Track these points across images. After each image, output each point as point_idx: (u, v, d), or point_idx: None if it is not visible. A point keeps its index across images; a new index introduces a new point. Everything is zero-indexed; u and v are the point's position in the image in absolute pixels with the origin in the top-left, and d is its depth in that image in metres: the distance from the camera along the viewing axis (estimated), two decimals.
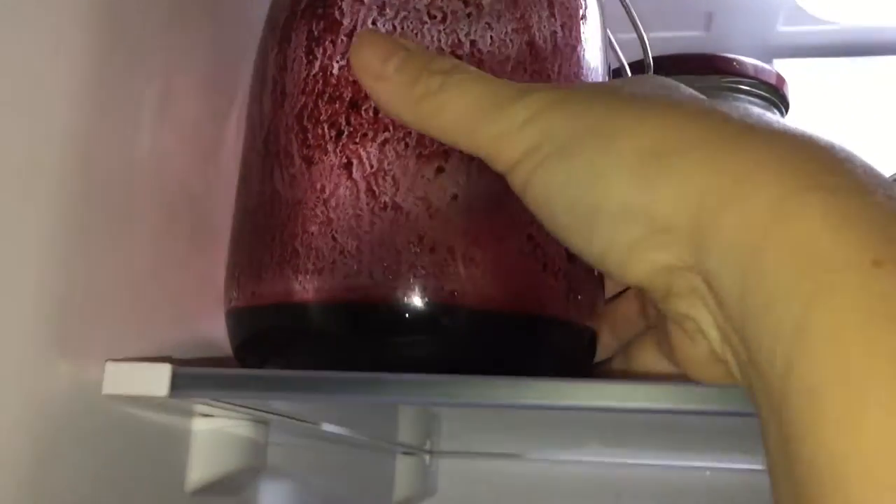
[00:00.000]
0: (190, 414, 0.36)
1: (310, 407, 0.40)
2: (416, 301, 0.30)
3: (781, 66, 0.62)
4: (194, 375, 0.30)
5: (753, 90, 0.48)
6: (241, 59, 0.40)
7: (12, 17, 0.27)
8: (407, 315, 0.30)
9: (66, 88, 0.29)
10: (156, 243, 0.35)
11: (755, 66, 0.47)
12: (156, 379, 0.30)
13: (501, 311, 0.31)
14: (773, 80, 0.48)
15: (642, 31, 0.40)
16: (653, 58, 0.46)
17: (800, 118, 0.58)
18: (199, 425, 0.36)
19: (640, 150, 0.23)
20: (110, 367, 0.31)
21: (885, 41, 0.59)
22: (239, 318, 0.33)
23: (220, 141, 0.40)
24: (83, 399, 0.31)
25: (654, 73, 0.47)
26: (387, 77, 0.27)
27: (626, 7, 0.40)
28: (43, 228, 0.29)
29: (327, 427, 0.42)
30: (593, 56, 0.35)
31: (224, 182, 0.40)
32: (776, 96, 0.48)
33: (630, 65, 0.43)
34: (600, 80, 0.35)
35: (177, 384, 0.30)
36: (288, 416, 0.38)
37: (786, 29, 0.61)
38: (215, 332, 0.38)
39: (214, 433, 0.36)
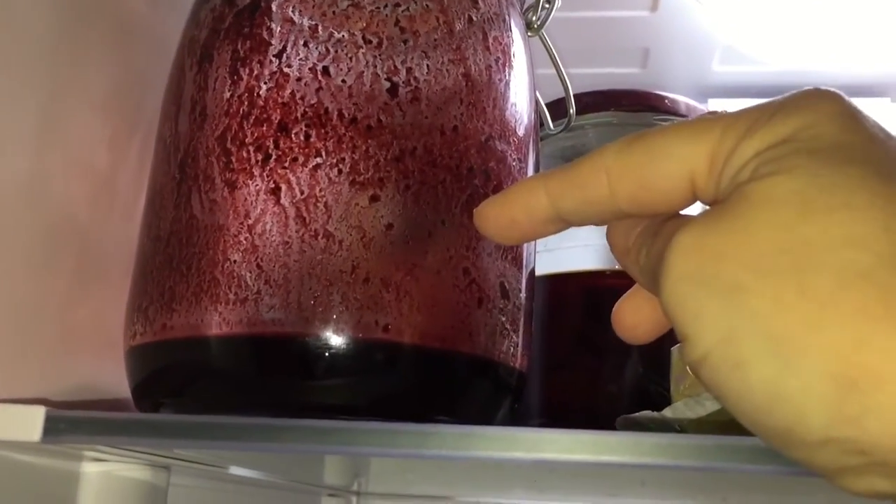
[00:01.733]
0: (78, 458, 0.32)
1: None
2: (349, 335, 0.28)
3: (716, 106, 0.64)
4: (70, 419, 0.27)
5: None
6: (147, 81, 0.38)
7: None
8: (338, 350, 0.28)
9: None
10: (35, 278, 0.31)
11: (687, 105, 0.48)
12: (28, 422, 0.27)
13: (435, 349, 0.29)
14: None
15: (563, 72, 0.40)
16: (587, 93, 0.47)
17: None
18: (89, 468, 0.32)
19: (834, 376, 0.17)
20: None
21: (817, 83, 0.62)
22: (145, 354, 0.30)
23: (118, 166, 0.37)
24: None
25: (587, 109, 0.47)
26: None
27: (546, 47, 0.40)
28: None
29: (237, 471, 0.39)
30: (523, 93, 0.35)
31: (121, 211, 0.37)
32: None
33: (552, 103, 0.43)
34: (527, 117, 0.35)
35: (50, 428, 0.27)
36: (189, 461, 0.34)
37: (721, 69, 0.63)
38: (103, 374, 0.35)
39: (106, 477, 0.32)
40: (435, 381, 0.30)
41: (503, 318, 0.31)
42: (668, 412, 0.34)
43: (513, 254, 0.32)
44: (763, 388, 0.18)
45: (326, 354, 0.28)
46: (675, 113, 0.49)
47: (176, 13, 0.36)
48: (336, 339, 0.28)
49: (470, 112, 0.31)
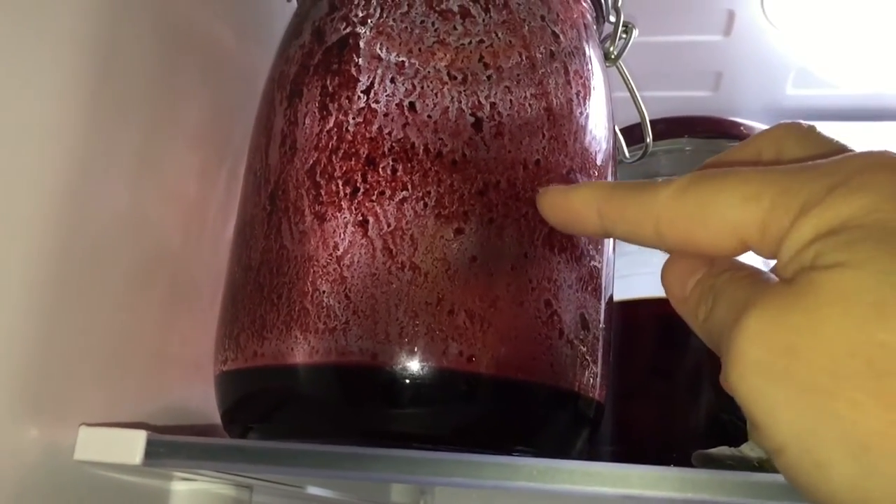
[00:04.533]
0: (168, 477, 0.33)
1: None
2: (434, 365, 0.28)
3: None
4: (169, 443, 0.28)
5: None
6: (234, 113, 0.39)
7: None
8: (423, 380, 0.28)
9: (41, 138, 0.28)
10: (132, 304, 0.33)
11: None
12: (130, 446, 0.28)
13: (518, 380, 0.30)
14: None
15: (640, 101, 0.41)
16: (660, 120, 0.47)
17: None
18: (179, 486, 0.33)
19: None
20: (83, 433, 0.29)
21: (889, 107, 0.61)
22: (235, 380, 0.31)
23: (207, 196, 0.39)
24: (55, 464, 0.29)
25: (660, 136, 0.47)
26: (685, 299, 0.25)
27: (623, 77, 0.40)
28: (13, 289, 0.27)
29: (313, 490, 0.40)
30: (602, 124, 0.35)
31: (210, 239, 0.38)
32: None
33: (626, 128, 0.43)
34: (606, 147, 0.35)
35: (151, 452, 0.28)
36: (271, 481, 0.36)
37: (795, 92, 0.63)
38: (193, 397, 0.36)
39: (195, 494, 0.33)
40: (516, 411, 0.30)
41: (583, 349, 0.32)
42: (746, 448, 0.33)
43: (593, 284, 0.33)
44: (846, 490, 0.17)
45: (411, 384, 0.29)
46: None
47: (262, 47, 0.38)
48: (421, 369, 0.28)
49: (552, 145, 0.32)
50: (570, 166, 0.32)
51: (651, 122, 0.47)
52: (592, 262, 0.33)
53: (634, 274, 0.49)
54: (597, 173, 0.34)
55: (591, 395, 0.32)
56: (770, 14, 0.53)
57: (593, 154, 0.34)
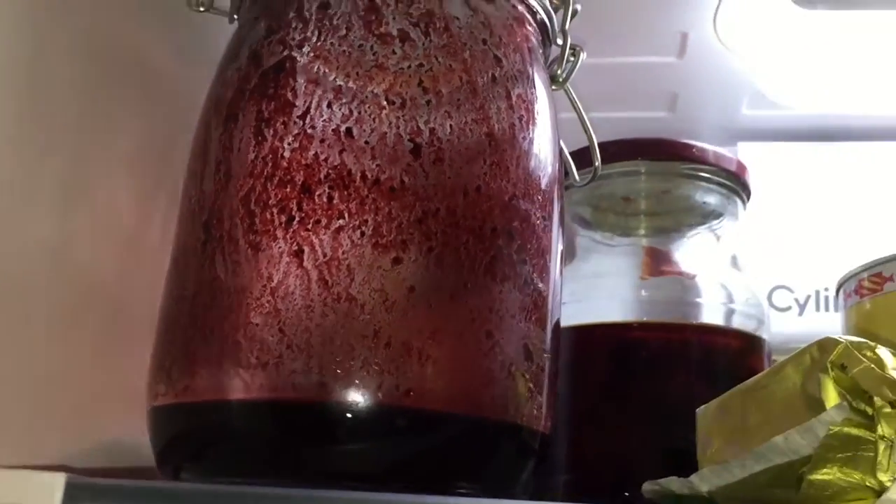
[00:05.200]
0: None
1: None
2: (371, 400, 0.27)
3: (747, 150, 0.63)
4: (91, 487, 0.26)
5: (714, 177, 0.48)
6: (174, 137, 0.38)
7: None
8: (360, 416, 0.27)
9: None
10: (61, 340, 0.31)
11: (715, 153, 0.48)
12: (47, 490, 0.26)
13: (458, 414, 0.29)
14: (733, 168, 0.48)
15: (588, 124, 0.40)
16: (613, 142, 0.46)
17: (764, 203, 0.59)
18: None
19: None
20: None
21: (844, 127, 0.61)
22: (166, 416, 0.30)
23: (144, 225, 0.37)
24: None
25: (613, 158, 0.47)
26: None
27: (571, 100, 0.40)
28: None
29: None
30: (547, 149, 0.34)
31: (148, 270, 0.37)
32: (737, 184, 0.49)
33: (579, 151, 0.43)
34: (551, 172, 0.35)
35: (71, 496, 0.26)
36: None
37: (750, 112, 0.62)
38: (131, 436, 0.35)
39: None
40: (457, 447, 0.29)
41: (526, 380, 0.31)
42: (695, 479, 0.33)
43: (537, 314, 0.32)
44: None
45: (348, 420, 0.28)
46: (704, 161, 0.49)
47: (204, 69, 0.36)
48: (357, 405, 0.27)
49: (493, 171, 0.31)
50: (513, 192, 0.32)
51: (604, 144, 0.47)
52: (537, 290, 0.32)
53: (589, 298, 0.48)
54: (541, 198, 0.33)
55: (536, 427, 0.31)
56: (722, 36, 0.53)
57: (537, 179, 0.33)
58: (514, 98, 0.33)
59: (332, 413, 0.28)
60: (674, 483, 0.34)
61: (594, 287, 0.48)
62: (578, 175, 0.42)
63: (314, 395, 0.28)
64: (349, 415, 0.28)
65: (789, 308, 0.63)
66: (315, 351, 0.28)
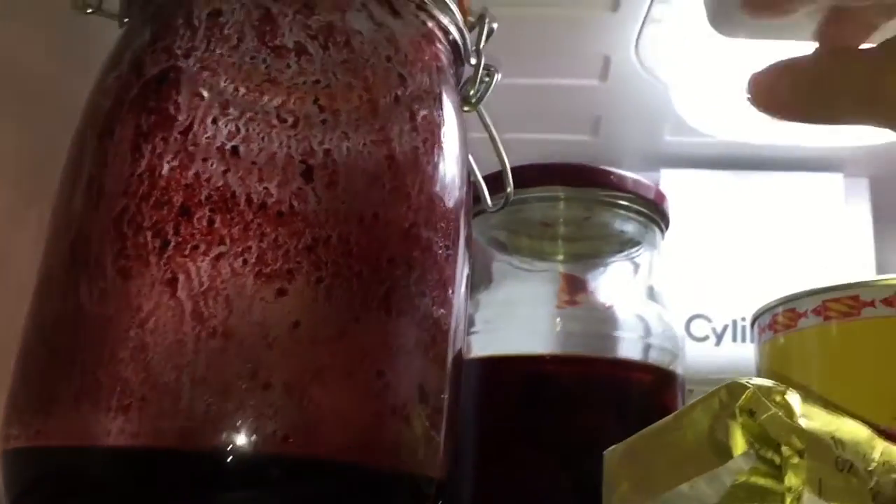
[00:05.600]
0: None
1: None
2: (243, 449, 0.25)
3: (670, 176, 0.62)
4: None
5: (633, 205, 0.47)
6: (51, 149, 0.35)
7: None
8: (231, 466, 0.25)
9: None
10: None
11: (635, 181, 0.46)
12: None
13: (342, 462, 0.27)
14: (652, 196, 0.47)
15: (501, 149, 0.38)
16: (531, 166, 0.45)
17: (685, 230, 0.58)
18: None
19: None
20: None
21: (763, 157, 0.61)
22: (17, 461, 0.27)
23: (11, 241, 0.34)
24: None
25: (532, 183, 0.45)
26: None
27: (484, 123, 0.38)
28: None
29: None
30: (454, 173, 0.32)
31: (13, 293, 0.34)
32: (656, 212, 0.48)
33: (494, 175, 0.41)
34: (457, 198, 0.33)
35: None
36: None
37: (672, 139, 0.62)
38: None
39: None
40: (341, 498, 0.27)
41: (421, 424, 0.29)
42: None
43: (436, 350, 0.30)
44: None
45: (218, 470, 0.25)
46: (623, 189, 0.47)
47: (87, 77, 0.34)
48: (229, 453, 0.25)
49: (393, 197, 0.29)
50: (414, 220, 0.30)
51: (522, 168, 0.45)
52: (436, 325, 0.30)
53: (503, 327, 0.46)
54: (445, 225, 0.31)
55: (431, 474, 0.29)
56: (644, 60, 0.52)
57: (441, 205, 0.31)
58: (418, 119, 0.31)
59: (201, 462, 0.25)
60: None
61: (508, 316, 0.46)
62: (491, 200, 0.41)
63: (180, 442, 0.25)
64: (219, 464, 0.25)
65: (707, 338, 0.62)
66: (184, 392, 0.25)
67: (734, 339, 0.63)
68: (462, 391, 0.43)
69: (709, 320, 0.63)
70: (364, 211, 0.28)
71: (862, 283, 0.40)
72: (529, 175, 0.46)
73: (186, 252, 0.26)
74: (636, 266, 0.50)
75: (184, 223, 0.27)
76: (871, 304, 0.39)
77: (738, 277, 0.63)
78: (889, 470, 0.28)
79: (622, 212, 0.47)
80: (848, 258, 0.62)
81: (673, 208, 0.50)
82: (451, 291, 0.31)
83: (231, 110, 0.28)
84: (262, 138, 0.28)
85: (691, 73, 0.54)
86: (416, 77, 0.32)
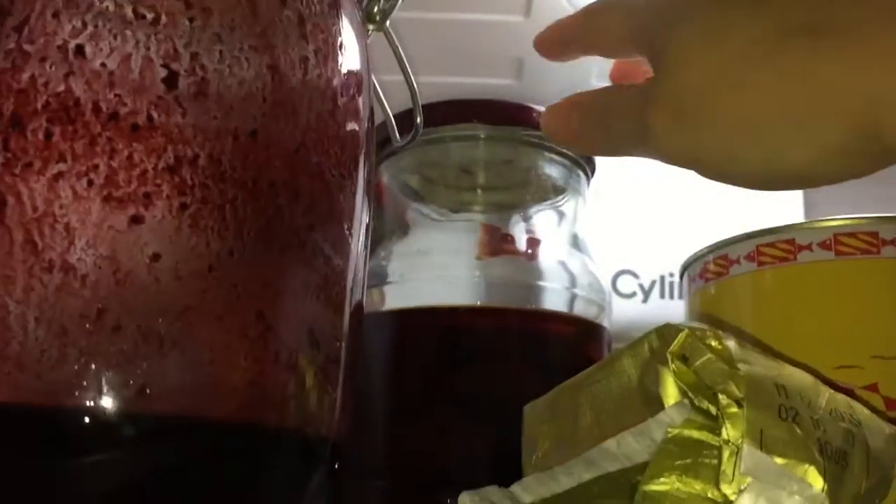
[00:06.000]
0: None
1: None
2: (92, 404, 0.21)
3: None
4: None
5: (558, 147, 0.43)
6: None
7: None
8: (78, 424, 0.21)
9: None
10: None
11: None
12: None
13: (213, 419, 0.22)
14: None
15: (410, 74, 0.34)
16: (446, 102, 0.41)
17: (611, 183, 0.55)
18: None
19: None
20: None
21: None
22: None
23: None
24: None
25: (447, 120, 0.41)
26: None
27: (391, 44, 0.34)
28: None
29: None
30: (351, 93, 0.28)
31: None
32: (582, 156, 0.44)
33: (404, 113, 0.37)
34: (357, 124, 0.29)
35: None
36: None
37: (600, 83, 0.58)
38: None
39: None
40: (214, 461, 0.23)
41: (311, 375, 0.25)
42: (517, 488, 0.28)
43: (328, 292, 0.26)
44: None
45: (60, 430, 0.21)
46: None
47: None
48: (74, 410, 0.21)
49: (276, 113, 0.25)
50: (301, 141, 0.25)
51: (436, 104, 0.41)
52: (329, 264, 0.26)
53: (417, 278, 0.42)
54: (339, 152, 0.27)
55: (324, 432, 0.25)
56: None
57: (337, 128, 0.27)
58: (308, 26, 0.27)
59: (38, 421, 0.21)
60: (493, 494, 0.29)
61: (423, 266, 0.43)
62: (400, 136, 0.37)
63: (9, 396, 0.20)
64: (59, 423, 0.21)
65: (634, 294, 0.60)
66: (13, 337, 0.21)
67: (662, 296, 0.61)
68: (373, 346, 0.40)
69: (636, 276, 0.60)
70: (240, 127, 0.24)
71: (797, 225, 0.38)
72: (446, 112, 0.42)
73: (17, 170, 0.22)
74: (561, 215, 0.47)
75: (14, 136, 0.22)
76: (808, 247, 0.36)
77: (666, 231, 0.61)
78: (837, 418, 0.26)
79: (548, 154, 0.44)
80: (779, 206, 0.59)
81: (599, 158, 0.47)
82: (346, 228, 0.27)
83: (76, 3, 0.23)
84: (114, 37, 0.23)
85: None
86: None
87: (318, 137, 0.26)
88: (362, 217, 0.29)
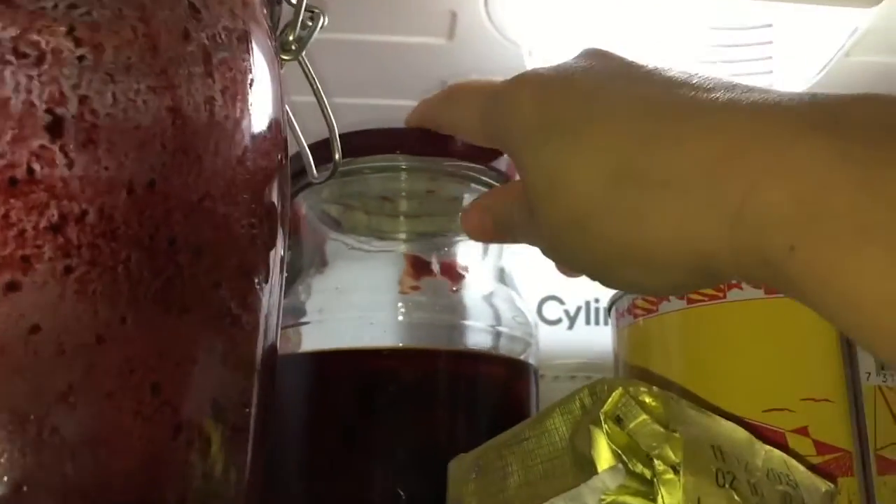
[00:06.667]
0: None
1: None
2: None
3: None
4: None
5: (482, 177, 0.41)
6: None
7: None
8: None
9: None
10: None
11: (484, 150, 0.41)
12: None
13: None
14: (503, 167, 0.41)
15: (328, 109, 0.32)
16: (366, 132, 0.38)
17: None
18: None
19: None
20: None
21: None
22: None
23: None
24: None
25: (368, 151, 0.39)
26: None
27: (307, 76, 0.32)
28: None
29: None
30: (263, 133, 0.26)
31: None
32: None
33: (317, 144, 0.35)
34: (268, 165, 0.26)
35: None
36: None
37: None
38: None
39: None
40: None
41: (216, 449, 0.22)
42: None
43: (237, 355, 0.24)
44: None
45: None
46: (472, 158, 0.42)
47: None
48: None
49: (177, 162, 0.23)
50: (206, 191, 0.23)
51: (358, 133, 0.39)
52: (237, 323, 0.24)
53: (336, 318, 0.40)
54: (249, 199, 0.25)
55: None
56: (494, 18, 0.47)
57: (246, 173, 0.25)
58: (215, 62, 0.25)
59: None
60: None
61: (343, 303, 0.40)
62: (317, 171, 0.34)
63: None
64: None
65: (560, 320, 0.59)
66: None
67: (588, 322, 0.60)
68: (289, 391, 0.37)
69: (561, 302, 0.59)
70: (135, 178, 0.22)
71: None
72: (366, 141, 0.40)
73: None
74: (486, 246, 0.45)
75: None
76: (738, 285, 0.36)
77: None
78: (774, 480, 0.25)
79: (471, 184, 0.42)
80: None
81: None
82: (256, 281, 0.25)
83: None
84: None
85: (545, 35, 0.50)
86: (212, 10, 0.25)
87: (226, 186, 0.24)
88: (276, 265, 0.26)
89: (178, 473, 0.21)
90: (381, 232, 0.45)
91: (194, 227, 0.23)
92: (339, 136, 0.35)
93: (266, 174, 0.26)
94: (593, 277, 0.26)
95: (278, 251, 0.27)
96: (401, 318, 0.40)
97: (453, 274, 0.44)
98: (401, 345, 0.38)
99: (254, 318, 0.25)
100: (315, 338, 0.39)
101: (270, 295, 0.26)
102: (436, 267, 0.44)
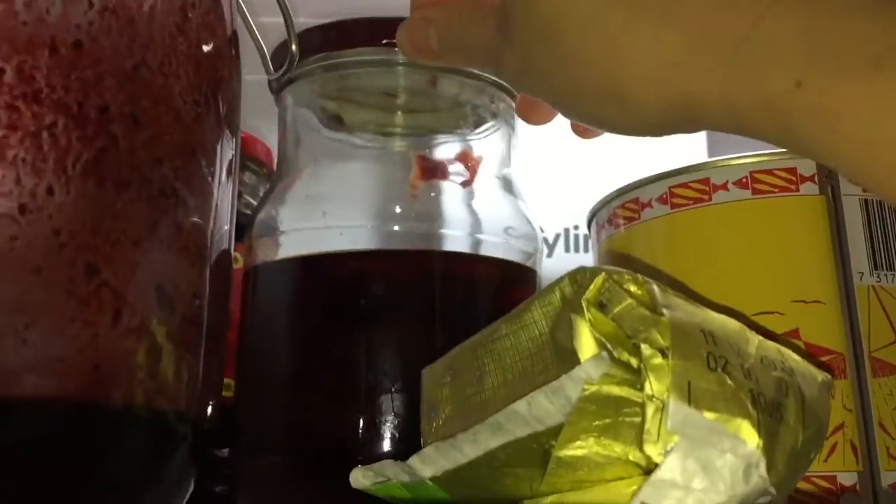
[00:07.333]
0: None
1: None
2: None
3: None
4: None
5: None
6: None
7: None
8: None
9: None
10: None
11: None
12: None
13: (25, 398, 0.18)
14: None
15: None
16: (356, 21, 0.36)
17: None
18: None
19: None
20: None
21: None
22: None
23: None
24: None
25: (361, 42, 0.36)
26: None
27: None
28: None
29: None
30: (207, 8, 0.24)
31: None
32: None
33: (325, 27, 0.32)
34: (221, 41, 0.24)
35: None
36: None
37: None
38: None
39: None
40: (47, 444, 0.18)
41: (163, 340, 0.20)
42: (416, 461, 0.24)
43: (183, 241, 0.21)
44: None
45: None
46: None
47: None
48: None
49: (107, 23, 0.20)
50: (142, 58, 0.21)
51: (350, 22, 0.36)
52: (184, 206, 0.22)
53: (307, 227, 0.38)
54: (192, 73, 0.22)
55: (183, 407, 0.21)
56: None
57: (189, 48, 0.22)
58: None
59: None
60: (389, 469, 0.25)
61: (312, 215, 0.38)
62: (276, 67, 0.32)
63: None
64: None
65: None
66: None
67: (567, 250, 0.58)
68: (266, 302, 0.35)
69: (540, 230, 0.57)
70: (59, 36, 0.19)
71: (711, 163, 0.35)
72: (358, 32, 0.37)
73: None
74: (489, 149, 0.42)
75: None
76: (724, 186, 0.34)
77: (569, 181, 0.58)
78: (769, 367, 0.23)
79: (472, 80, 0.39)
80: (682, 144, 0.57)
81: None
82: (203, 164, 0.23)
83: None
84: None
85: None
86: None
87: (164, 55, 0.22)
88: (225, 150, 0.24)
89: (121, 366, 0.19)
90: (382, 129, 0.41)
91: (129, 96, 0.20)
92: (338, 21, 0.33)
93: (211, 50, 0.24)
94: (559, 107, 0.24)
95: (227, 137, 0.24)
96: (397, 218, 0.37)
97: (456, 175, 0.41)
98: (388, 247, 0.36)
99: (202, 203, 0.22)
100: (298, 244, 0.37)
101: (219, 182, 0.24)
102: (438, 168, 0.41)
